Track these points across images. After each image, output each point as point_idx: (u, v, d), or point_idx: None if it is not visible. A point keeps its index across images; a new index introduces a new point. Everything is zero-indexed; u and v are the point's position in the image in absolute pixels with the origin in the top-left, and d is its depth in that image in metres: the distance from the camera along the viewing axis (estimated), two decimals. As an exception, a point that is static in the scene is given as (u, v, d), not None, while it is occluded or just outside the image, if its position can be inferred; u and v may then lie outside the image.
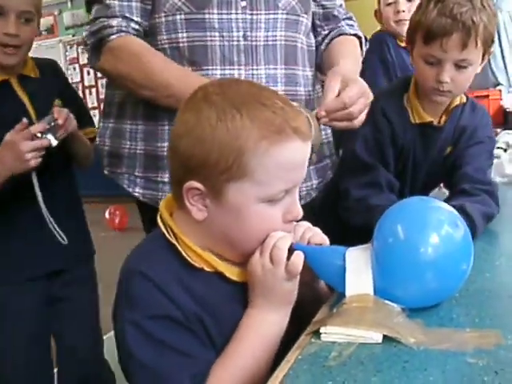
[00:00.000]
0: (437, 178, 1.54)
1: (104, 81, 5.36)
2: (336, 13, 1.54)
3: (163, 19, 1.32)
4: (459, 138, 1.46)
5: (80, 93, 5.60)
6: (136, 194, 1.38)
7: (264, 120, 0.80)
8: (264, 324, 0.86)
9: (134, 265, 0.86)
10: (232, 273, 0.88)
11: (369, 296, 0.84)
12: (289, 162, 0.83)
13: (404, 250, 0.83)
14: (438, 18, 1.29)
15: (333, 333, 0.79)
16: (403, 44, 2.13)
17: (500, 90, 3.86)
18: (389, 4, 2.19)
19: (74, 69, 5.73)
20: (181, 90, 1.17)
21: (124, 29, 1.31)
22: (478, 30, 1.28)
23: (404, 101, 1.43)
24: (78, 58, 5.73)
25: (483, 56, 1.34)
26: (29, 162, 1.46)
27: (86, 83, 5.62)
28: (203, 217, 0.84)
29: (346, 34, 1.52)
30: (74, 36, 5.74)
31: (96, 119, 5.55)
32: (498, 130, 2.97)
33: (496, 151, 2.37)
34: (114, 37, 1.30)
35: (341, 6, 1.56)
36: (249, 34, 1.32)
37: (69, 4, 5.71)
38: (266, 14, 1.33)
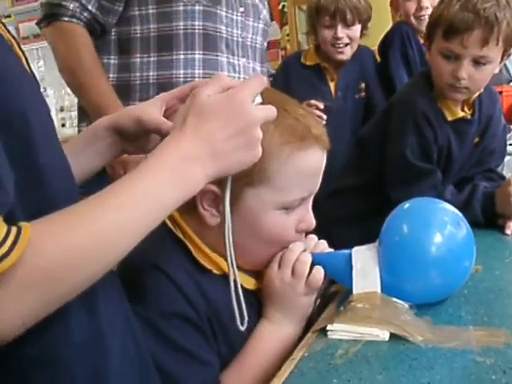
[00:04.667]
0: (467, 168, 1.53)
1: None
2: None
3: (181, 8, 1.43)
4: (486, 127, 1.48)
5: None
6: None
7: (287, 126, 0.80)
8: (279, 338, 0.86)
9: (147, 258, 0.81)
10: (242, 278, 0.84)
11: (376, 293, 0.84)
12: (308, 170, 0.83)
13: (410, 248, 0.86)
14: (460, 12, 1.27)
15: (339, 330, 0.79)
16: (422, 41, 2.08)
17: (514, 86, 3.82)
18: None
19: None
20: (96, 103, 1.37)
21: (77, 15, 1.41)
22: (501, 28, 1.25)
23: (436, 100, 1.41)
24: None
25: (503, 55, 1.32)
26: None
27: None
28: (216, 222, 0.81)
29: None
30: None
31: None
32: (511, 126, 2.93)
33: (508, 148, 2.36)
34: (65, 19, 1.41)
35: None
36: (244, 34, 1.57)
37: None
38: (252, 21, 1.59)
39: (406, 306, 0.84)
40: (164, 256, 0.83)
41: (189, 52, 1.44)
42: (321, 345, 0.78)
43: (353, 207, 1.55)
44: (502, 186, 1.34)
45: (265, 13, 1.65)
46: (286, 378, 0.70)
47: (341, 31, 1.98)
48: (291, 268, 0.85)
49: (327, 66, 2.06)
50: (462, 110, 1.43)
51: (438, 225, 0.88)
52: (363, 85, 2.04)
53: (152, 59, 1.44)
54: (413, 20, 2.08)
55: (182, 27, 1.43)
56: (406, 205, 0.94)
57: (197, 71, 1.45)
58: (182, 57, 1.44)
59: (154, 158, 0.65)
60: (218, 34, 1.48)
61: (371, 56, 2.11)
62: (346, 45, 2.00)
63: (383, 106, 1.92)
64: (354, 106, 2.04)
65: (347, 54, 2.02)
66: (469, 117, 1.43)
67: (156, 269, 0.80)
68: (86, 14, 1.42)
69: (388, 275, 0.85)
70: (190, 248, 0.83)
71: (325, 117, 1.91)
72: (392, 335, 0.77)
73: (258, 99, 0.71)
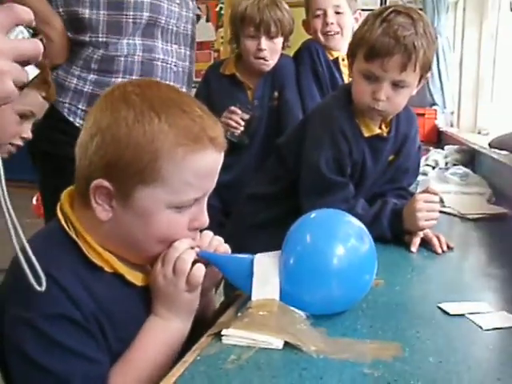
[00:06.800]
0: (380, 185, 1.56)
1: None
2: None
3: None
4: (401, 146, 1.51)
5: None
6: (76, 124, 1.54)
7: (182, 127, 0.79)
8: (166, 332, 0.85)
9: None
10: (132, 276, 0.86)
11: (274, 301, 0.84)
12: (203, 171, 0.83)
13: (311, 258, 0.86)
14: (381, 37, 1.31)
15: (234, 336, 0.78)
16: (331, 57, 2.14)
17: (435, 110, 3.97)
18: (317, 16, 2.12)
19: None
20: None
21: None
22: (418, 55, 1.30)
23: (354, 115, 1.43)
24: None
25: (420, 80, 1.37)
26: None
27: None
28: (107, 217, 0.81)
29: None
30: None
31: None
32: (431, 148, 3.04)
33: (424, 168, 2.45)
34: None
35: None
36: (179, 23, 1.70)
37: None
38: (185, 11, 1.73)
39: (303, 315, 0.85)
40: (51, 257, 0.80)
41: (130, 38, 1.59)
42: (214, 349, 0.77)
43: (265, 215, 1.55)
44: (408, 202, 1.37)
45: (191, 3, 1.80)
46: (174, 381, 0.69)
47: (264, 43, 1.99)
48: (173, 265, 0.84)
49: (242, 79, 2.09)
50: (379, 128, 1.46)
51: (342, 237, 0.89)
52: (276, 94, 2.07)
53: (101, 40, 1.56)
54: (321, 37, 2.13)
55: (131, 16, 1.58)
56: (312, 215, 0.95)
57: (137, 54, 1.60)
58: (125, 41, 1.58)
59: None
60: (158, 23, 1.62)
61: (291, 64, 2.14)
62: (268, 57, 2.02)
63: (295, 113, 2.02)
64: (270, 113, 2.06)
65: (269, 65, 2.04)
66: (385, 134, 1.47)
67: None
68: None
69: (288, 284, 0.86)
70: (81, 246, 0.82)
71: (242, 123, 1.96)
72: (286, 344, 0.78)
73: (21, 32, 0.63)
